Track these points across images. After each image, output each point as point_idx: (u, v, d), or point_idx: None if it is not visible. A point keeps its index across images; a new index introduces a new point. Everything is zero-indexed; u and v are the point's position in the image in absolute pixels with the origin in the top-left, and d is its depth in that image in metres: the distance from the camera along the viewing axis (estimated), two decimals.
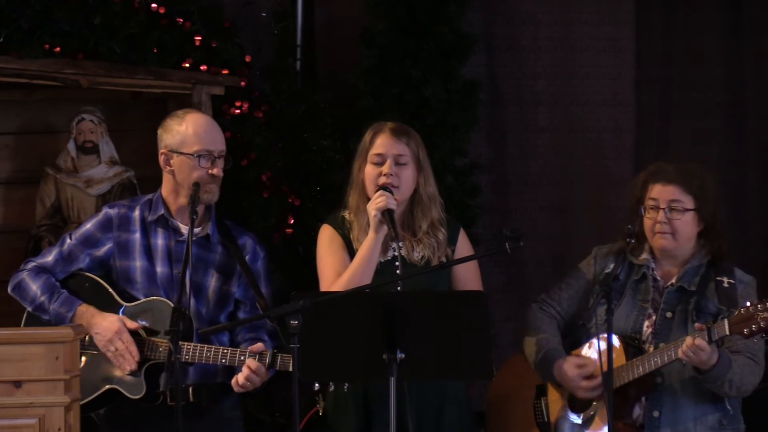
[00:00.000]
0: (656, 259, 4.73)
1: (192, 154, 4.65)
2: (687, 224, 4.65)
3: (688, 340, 4.42)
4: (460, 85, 6.41)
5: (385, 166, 4.71)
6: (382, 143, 4.76)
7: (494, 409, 5.04)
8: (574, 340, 4.82)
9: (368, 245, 4.65)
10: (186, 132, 4.68)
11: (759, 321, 4.33)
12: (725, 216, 4.71)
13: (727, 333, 4.38)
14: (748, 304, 4.38)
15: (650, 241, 4.68)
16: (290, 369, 4.45)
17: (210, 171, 4.65)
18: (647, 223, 4.66)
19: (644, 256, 4.71)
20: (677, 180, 4.65)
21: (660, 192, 4.66)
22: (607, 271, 4.74)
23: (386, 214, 4.62)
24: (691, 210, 4.64)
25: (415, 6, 6.36)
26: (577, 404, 4.75)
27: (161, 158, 4.72)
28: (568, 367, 4.68)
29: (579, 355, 4.73)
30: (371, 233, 4.65)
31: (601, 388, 4.59)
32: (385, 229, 4.64)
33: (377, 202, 4.65)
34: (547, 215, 6.83)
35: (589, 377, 4.64)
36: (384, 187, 4.67)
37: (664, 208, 4.64)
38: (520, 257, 6.67)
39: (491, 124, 6.78)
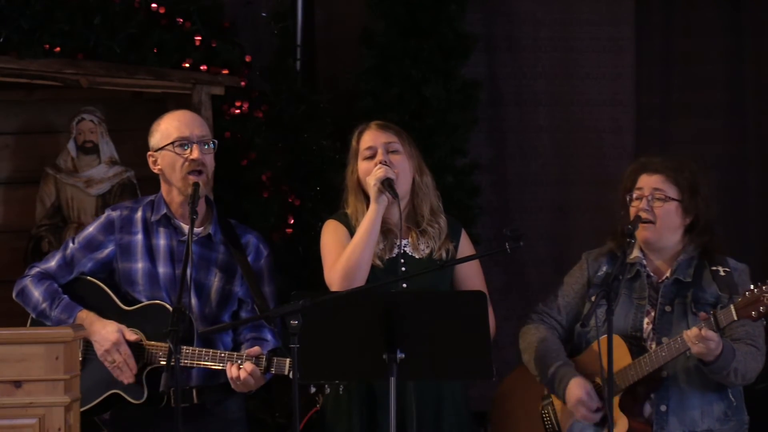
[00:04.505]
0: (646, 255, 4.73)
1: (170, 145, 4.66)
2: (669, 213, 4.66)
3: (694, 331, 4.42)
4: (460, 85, 6.40)
5: (378, 155, 4.70)
6: (369, 137, 4.76)
7: (498, 414, 5.04)
8: (573, 346, 4.81)
9: (370, 217, 4.63)
10: (163, 128, 4.71)
11: (766, 302, 4.34)
12: (715, 215, 4.72)
13: (735, 318, 4.38)
14: (752, 287, 4.39)
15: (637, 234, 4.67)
16: (285, 373, 4.46)
17: (190, 156, 4.64)
18: (632, 212, 4.67)
19: (636, 253, 4.71)
20: (662, 170, 4.69)
21: (645, 181, 4.69)
22: (601, 272, 4.74)
23: (386, 182, 4.61)
24: (674, 200, 4.65)
25: (415, 6, 6.35)
26: None
27: (150, 161, 4.74)
28: (579, 390, 4.65)
29: (591, 383, 4.70)
30: (372, 204, 4.63)
31: (598, 418, 4.62)
32: (385, 199, 4.62)
33: (376, 173, 4.63)
34: (547, 215, 6.83)
35: (595, 410, 4.63)
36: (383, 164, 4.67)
37: (647, 196, 4.65)
38: (520, 257, 6.66)
39: (491, 124, 6.78)
